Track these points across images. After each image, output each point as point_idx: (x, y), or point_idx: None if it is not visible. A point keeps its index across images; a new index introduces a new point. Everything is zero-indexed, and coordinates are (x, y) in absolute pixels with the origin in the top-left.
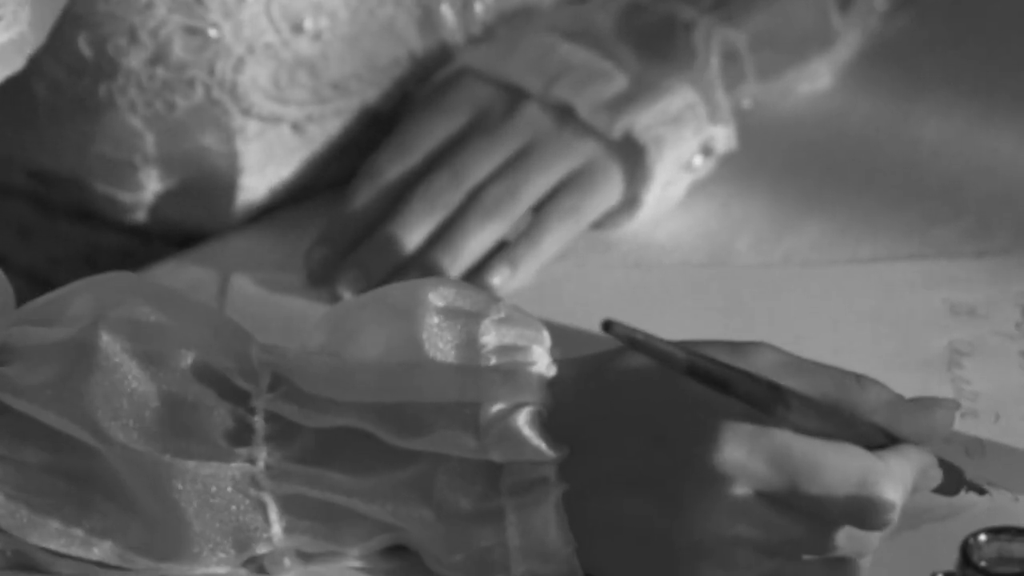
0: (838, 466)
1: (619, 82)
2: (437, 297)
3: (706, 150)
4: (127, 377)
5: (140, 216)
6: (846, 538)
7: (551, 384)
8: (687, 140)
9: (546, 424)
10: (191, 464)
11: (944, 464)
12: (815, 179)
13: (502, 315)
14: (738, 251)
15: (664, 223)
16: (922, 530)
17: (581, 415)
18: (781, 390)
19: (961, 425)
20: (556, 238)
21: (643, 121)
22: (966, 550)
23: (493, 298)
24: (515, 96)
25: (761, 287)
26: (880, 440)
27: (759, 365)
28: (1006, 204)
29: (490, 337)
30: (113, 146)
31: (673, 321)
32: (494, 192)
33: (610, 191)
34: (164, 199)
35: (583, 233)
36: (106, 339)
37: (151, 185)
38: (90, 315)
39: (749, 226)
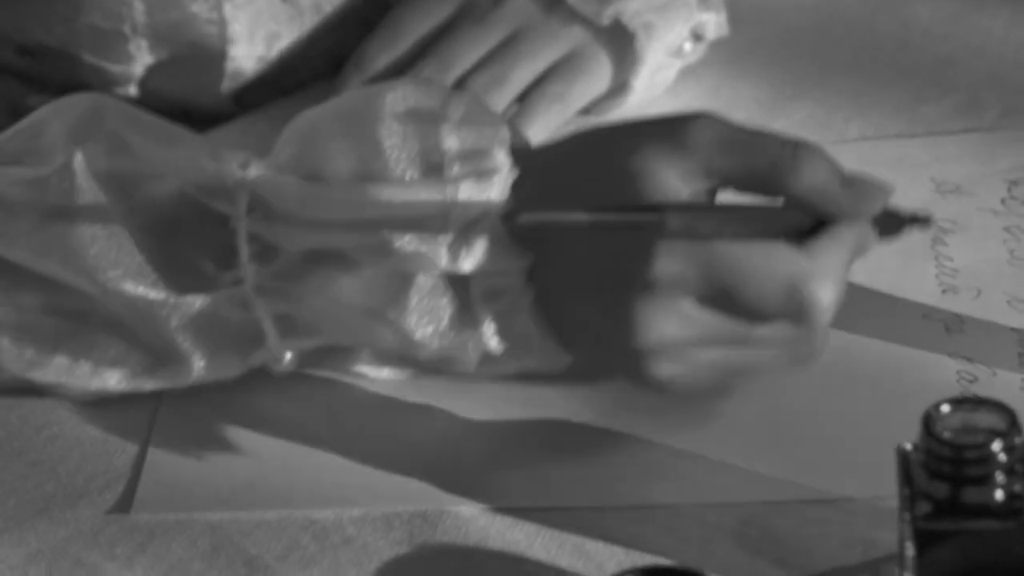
0: (767, 271)
1: None
2: (396, 100)
3: (697, 36)
4: (109, 215)
5: (130, 90)
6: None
7: (513, 187)
8: (677, 27)
9: (511, 231)
10: (184, 299)
11: (885, 214)
12: (806, 61)
13: (461, 111)
14: None
15: (652, 108)
16: (888, 405)
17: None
18: (669, 215)
19: (942, 301)
20: (542, 125)
21: (632, 7)
22: (928, 421)
23: (450, 92)
24: None
25: None
26: (808, 223)
27: (698, 140)
28: (995, 83)
29: (452, 142)
30: (102, 15)
31: None
32: (480, 81)
33: (598, 78)
34: (154, 71)
35: (571, 118)
36: (84, 177)
37: (141, 57)
38: (63, 146)
39: (738, 109)
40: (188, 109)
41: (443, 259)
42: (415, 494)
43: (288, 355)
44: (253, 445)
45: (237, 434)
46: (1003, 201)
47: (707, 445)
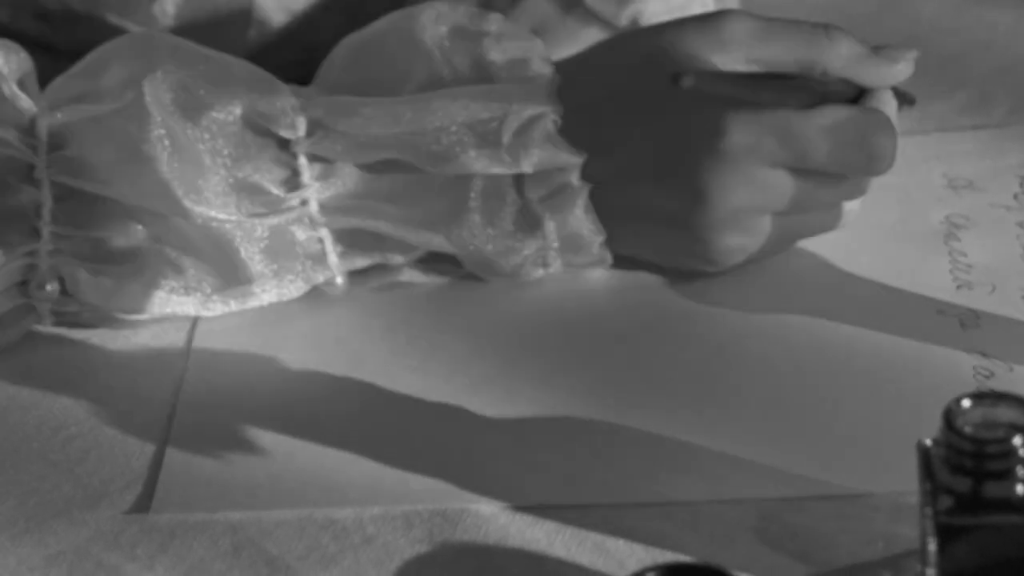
0: (839, 131)
1: None
2: (436, 18)
3: None
4: (181, 143)
5: None
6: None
7: (560, 92)
8: None
9: (561, 130)
10: (253, 222)
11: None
12: None
13: (496, 26)
14: None
15: None
16: (904, 401)
17: (591, 115)
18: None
19: (957, 297)
20: None
21: (650, 8)
22: (949, 416)
23: (480, 10)
24: None
25: None
26: (851, 92)
27: (733, 33)
28: (1004, 78)
29: (496, 54)
30: None
31: None
32: None
33: None
34: (178, 32)
35: None
36: (155, 109)
37: (165, 20)
38: (126, 83)
39: None
40: None
41: (502, 162)
42: (435, 492)
43: (340, 279)
44: (272, 444)
45: (255, 433)
46: (1015, 196)
47: (726, 441)
